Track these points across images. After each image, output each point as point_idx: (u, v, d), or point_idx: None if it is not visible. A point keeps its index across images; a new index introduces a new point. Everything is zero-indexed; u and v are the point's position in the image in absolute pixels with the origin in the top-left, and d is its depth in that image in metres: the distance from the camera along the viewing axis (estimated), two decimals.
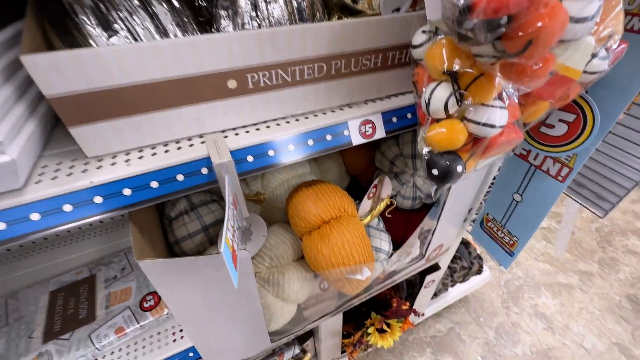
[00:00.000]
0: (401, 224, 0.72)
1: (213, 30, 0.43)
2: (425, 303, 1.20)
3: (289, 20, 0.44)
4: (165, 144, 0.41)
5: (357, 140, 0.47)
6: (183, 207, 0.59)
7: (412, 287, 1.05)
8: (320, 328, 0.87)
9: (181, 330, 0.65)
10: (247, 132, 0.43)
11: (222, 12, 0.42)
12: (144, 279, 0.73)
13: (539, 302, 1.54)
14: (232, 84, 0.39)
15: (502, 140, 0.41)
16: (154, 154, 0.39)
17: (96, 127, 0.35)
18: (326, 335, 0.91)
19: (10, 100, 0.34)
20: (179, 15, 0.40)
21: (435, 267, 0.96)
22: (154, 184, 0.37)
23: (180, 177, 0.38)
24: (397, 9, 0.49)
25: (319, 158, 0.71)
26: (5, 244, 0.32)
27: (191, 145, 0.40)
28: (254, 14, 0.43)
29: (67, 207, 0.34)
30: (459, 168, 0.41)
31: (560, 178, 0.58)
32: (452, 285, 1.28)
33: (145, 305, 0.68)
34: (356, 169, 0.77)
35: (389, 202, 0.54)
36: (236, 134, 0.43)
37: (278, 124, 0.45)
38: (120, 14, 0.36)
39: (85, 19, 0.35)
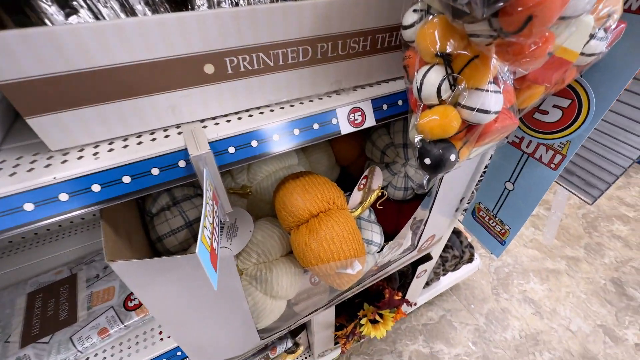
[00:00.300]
0: (393, 215, 0.70)
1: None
2: (417, 292, 1.20)
3: None
4: (139, 135, 0.37)
5: (346, 129, 0.45)
6: (165, 203, 0.56)
7: (404, 277, 1.05)
8: (313, 321, 0.87)
9: None
10: (228, 121, 0.40)
11: None
12: None
13: (528, 287, 1.57)
14: (209, 68, 0.36)
15: (496, 127, 0.40)
16: (125, 147, 0.36)
17: (58, 118, 0.32)
18: (319, 328, 0.91)
19: None
20: None
21: (427, 257, 0.96)
22: (127, 179, 0.34)
23: (155, 171, 0.35)
24: None
25: (307, 149, 0.69)
26: None
27: (167, 137, 0.37)
28: None
29: (29, 206, 0.31)
30: (452, 157, 0.39)
31: (553, 165, 0.57)
32: (444, 274, 1.29)
33: (130, 304, 0.65)
34: (346, 159, 0.75)
35: (380, 193, 0.53)
36: (216, 124, 0.40)
37: (261, 113, 0.42)
38: None
39: None
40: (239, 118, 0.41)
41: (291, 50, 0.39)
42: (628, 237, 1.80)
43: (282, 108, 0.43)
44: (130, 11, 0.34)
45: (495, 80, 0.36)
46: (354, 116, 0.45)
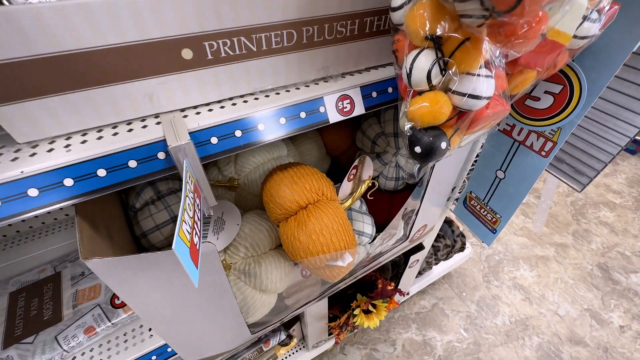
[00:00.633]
0: (384, 205, 0.70)
1: None
2: (410, 282, 1.21)
3: None
4: (114, 126, 0.35)
5: (334, 117, 0.43)
6: (149, 197, 0.54)
7: (397, 267, 1.05)
8: (306, 313, 0.86)
9: None
10: (211, 110, 0.39)
11: None
12: None
13: (518, 274, 1.60)
14: (187, 53, 0.34)
15: (488, 114, 0.39)
16: (99, 138, 0.34)
17: (23, 107, 0.30)
18: (312, 320, 0.91)
19: None
20: None
21: (419, 247, 0.96)
22: (102, 172, 0.32)
23: (132, 164, 0.33)
24: None
25: (297, 139, 0.67)
26: None
27: (144, 127, 0.35)
28: None
29: None
30: (443, 144, 0.38)
31: (543, 153, 0.57)
32: (436, 264, 1.30)
33: (117, 301, 0.64)
34: (337, 149, 0.73)
35: (370, 184, 0.52)
36: (198, 113, 0.38)
37: (246, 101, 0.40)
38: None
39: None
40: (222, 107, 0.39)
41: (275, 34, 0.37)
42: (614, 223, 1.84)
43: (268, 96, 0.41)
44: None
45: (487, 65, 0.34)
46: (343, 104, 0.44)
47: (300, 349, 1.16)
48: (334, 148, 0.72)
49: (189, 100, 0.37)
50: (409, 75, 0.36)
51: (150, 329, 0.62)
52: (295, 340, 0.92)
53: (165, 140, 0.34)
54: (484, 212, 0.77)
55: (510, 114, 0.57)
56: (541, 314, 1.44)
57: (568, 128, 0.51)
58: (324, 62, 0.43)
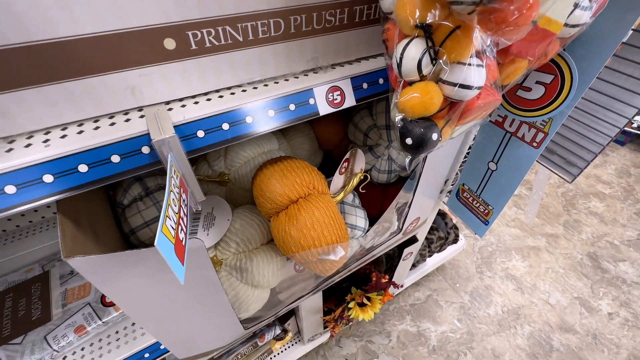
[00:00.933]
0: (377, 198, 0.69)
1: None
2: (404, 274, 1.22)
3: None
4: (96, 120, 0.34)
5: (324, 109, 0.43)
6: (137, 193, 0.53)
7: (391, 260, 1.06)
8: (301, 307, 0.86)
9: None
10: (197, 103, 0.37)
11: None
12: None
13: (510, 265, 1.62)
14: (169, 43, 0.32)
15: (479, 104, 0.38)
16: (80, 132, 0.32)
17: None
18: (307, 314, 0.91)
19: None
20: None
21: (413, 240, 0.96)
22: (83, 168, 0.31)
23: (115, 159, 0.32)
24: None
25: (288, 132, 0.66)
26: None
27: (127, 120, 0.34)
28: None
29: None
30: (434, 136, 0.38)
31: (535, 144, 0.57)
32: (430, 256, 1.31)
33: (108, 300, 0.63)
34: (329, 143, 0.73)
35: (362, 177, 0.51)
36: (183, 106, 0.37)
37: (233, 93, 0.39)
38: None
39: None
40: (208, 99, 0.38)
41: (261, 23, 0.36)
42: (604, 214, 1.87)
43: (256, 88, 0.40)
44: None
45: (478, 54, 0.34)
46: (333, 96, 0.43)
47: (296, 342, 1.16)
48: (326, 141, 0.71)
49: (173, 92, 0.36)
50: (399, 65, 0.35)
51: (142, 327, 0.61)
52: (290, 335, 0.92)
53: (149, 134, 0.33)
54: (476, 204, 0.78)
55: (502, 104, 0.57)
56: (533, 303, 1.47)
57: (559, 119, 0.51)
58: (313, 52, 0.42)
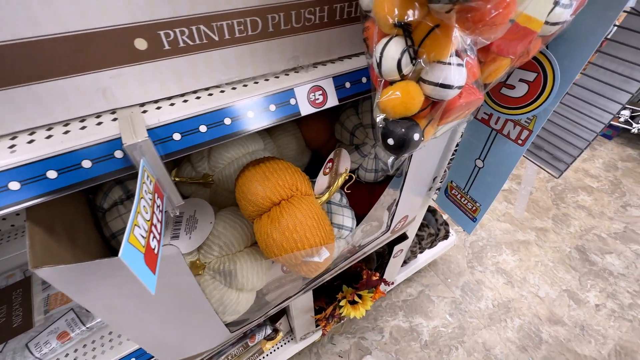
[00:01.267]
0: (365, 197, 0.69)
1: None
2: (395, 271, 1.23)
3: None
4: (66, 124, 0.33)
5: (306, 109, 0.42)
6: (117, 197, 0.51)
7: (381, 257, 1.06)
8: (291, 307, 0.86)
9: None
10: (172, 104, 0.36)
11: None
12: None
13: (500, 259, 1.64)
14: (140, 44, 0.31)
15: (461, 103, 0.38)
16: (49, 137, 0.31)
17: None
18: (298, 313, 0.91)
19: None
20: None
21: (403, 237, 0.96)
22: (52, 174, 0.30)
23: (86, 164, 0.31)
24: None
25: (274, 132, 0.65)
26: None
27: (99, 124, 0.33)
28: None
29: None
30: (416, 136, 0.37)
31: (520, 141, 0.57)
32: (421, 252, 1.32)
33: None
34: (317, 142, 0.72)
35: (347, 177, 0.51)
36: (158, 108, 0.36)
37: (211, 94, 0.38)
38: None
39: None
40: (185, 101, 0.37)
41: (237, 22, 0.35)
42: (591, 207, 1.90)
43: (234, 88, 0.39)
44: None
45: (458, 53, 0.33)
46: (315, 95, 0.42)
47: (288, 341, 1.16)
48: (313, 141, 0.71)
49: (147, 94, 0.35)
50: (379, 65, 0.35)
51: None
52: (281, 334, 0.92)
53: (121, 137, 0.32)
54: (464, 201, 0.78)
55: (487, 103, 0.57)
56: (522, 296, 1.49)
57: (543, 116, 0.51)
58: (293, 51, 0.41)
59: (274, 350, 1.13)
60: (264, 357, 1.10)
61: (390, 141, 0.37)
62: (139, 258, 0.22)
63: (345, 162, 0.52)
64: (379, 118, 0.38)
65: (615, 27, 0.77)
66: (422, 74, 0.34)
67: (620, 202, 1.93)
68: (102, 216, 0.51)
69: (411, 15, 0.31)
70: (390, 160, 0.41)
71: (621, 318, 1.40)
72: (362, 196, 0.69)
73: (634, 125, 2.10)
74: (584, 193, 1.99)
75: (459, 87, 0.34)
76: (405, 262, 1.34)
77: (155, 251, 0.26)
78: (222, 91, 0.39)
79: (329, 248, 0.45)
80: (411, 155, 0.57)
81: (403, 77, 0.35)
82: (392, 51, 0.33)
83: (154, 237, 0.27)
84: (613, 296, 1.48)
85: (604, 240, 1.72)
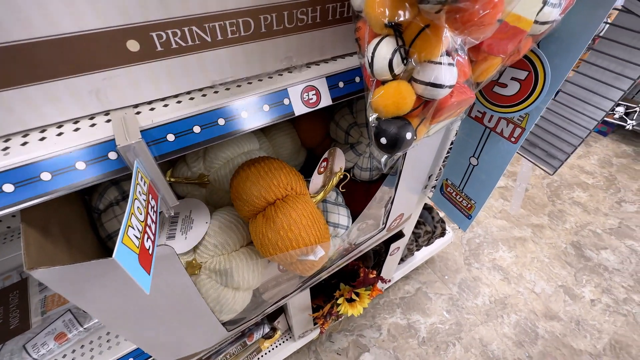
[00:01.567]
0: (361, 196, 0.70)
1: None
2: (392, 269, 1.23)
3: None
4: (59, 126, 0.33)
5: (299, 109, 0.42)
6: (113, 197, 0.52)
7: (378, 255, 1.07)
8: (289, 305, 0.87)
9: None
10: (166, 105, 0.37)
11: None
12: None
13: (497, 256, 1.65)
14: (133, 45, 0.31)
15: (453, 102, 0.38)
16: (42, 139, 0.31)
17: None
18: (296, 312, 0.91)
19: None
20: None
21: (399, 235, 0.97)
22: (46, 176, 0.30)
23: (80, 165, 0.31)
24: None
25: (270, 132, 0.65)
26: None
27: (93, 125, 0.33)
28: None
29: None
30: (409, 135, 0.38)
31: (513, 139, 0.57)
32: (418, 250, 1.33)
33: None
34: (312, 141, 0.72)
35: (342, 176, 0.51)
36: (152, 109, 0.36)
37: (204, 95, 0.38)
38: None
39: None
40: (179, 102, 0.37)
41: (230, 23, 0.35)
42: (587, 203, 1.92)
43: (228, 89, 0.39)
44: None
45: (449, 53, 0.34)
46: (308, 95, 0.42)
47: (287, 339, 1.17)
48: (309, 140, 0.71)
49: (141, 95, 0.35)
50: (370, 65, 0.35)
51: None
52: (279, 333, 0.93)
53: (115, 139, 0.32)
54: (459, 198, 0.79)
55: (479, 101, 0.57)
56: (519, 292, 1.50)
57: (535, 114, 0.52)
58: (286, 51, 0.41)
59: (273, 349, 1.14)
60: (262, 356, 1.11)
61: (383, 140, 0.38)
62: (133, 259, 0.23)
63: (339, 161, 0.52)
64: (372, 117, 0.38)
65: (607, 25, 0.77)
66: (413, 74, 0.35)
67: (615, 198, 1.94)
68: (98, 217, 0.51)
69: (402, 16, 0.32)
70: (384, 159, 0.41)
71: (616, 313, 1.42)
72: (358, 195, 0.69)
73: (629, 121, 2.12)
74: (580, 189, 2.01)
75: (450, 87, 0.35)
76: (402, 260, 1.35)
77: (150, 252, 0.26)
78: (216, 92, 0.39)
79: (324, 247, 0.45)
80: (405, 154, 0.57)
81: (395, 77, 0.35)
82: (384, 51, 0.34)
83: (149, 237, 0.27)
84: (608, 291, 1.50)
85: (599, 236, 1.74)
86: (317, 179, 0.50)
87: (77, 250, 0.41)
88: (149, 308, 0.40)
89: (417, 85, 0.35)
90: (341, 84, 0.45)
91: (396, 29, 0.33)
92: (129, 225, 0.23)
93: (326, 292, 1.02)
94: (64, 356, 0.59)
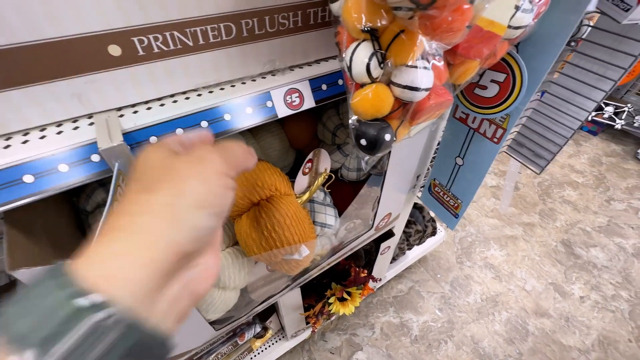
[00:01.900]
0: (349, 196, 0.70)
1: None
2: (384, 268, 1.25)
3: None
4: (42, 129, 0.34)
5: (283, 111, 0.43)
6: (100, 199, 0.52)
7: (369, 254, 1.08)
8: (280, 305, 0.87)
9: None
10: (149, 108, 0.37)
11: None
12: None
13: (489, 254, 1.67)
14: (114, 50, 0.32)
15: (431, 104, 0.39)
16: (25, 142, 0.32)
17: None
18: (287, 311, 0.92)
19: None
20: None
21: (389, 234, 0.98)
22: (29, 178, 0.31)
23: (63, 168, 0.32)
24: None
25: (258, 133, 0.66)
26: None
27: (76, 128, 0.34)
28: None
29: None
30: (387, 136, 0.39)
31: (495, 140, 0.59)
32: (409, 249, 1.34)
33: None
34: (301, 143, 0.73)
35: (327, 176, 0.52)
36: (135, 112, 0.37)
37: (188, 98, 0.39)
38: None
39: None
40: (162, 105, 0.38)
41: (211, 27, 0.36)
42: (577, 202, 1.95)
43: (211, 92, 0.40)
44: None
45: (425, 56, 0.35)
46: (291, 98, 0.43)
47: (280, 339, 1.18)
48: (297, 141, 0.72)
49: (124, 99, 0.36)
50: (349, 68, 0.36)
51: None
52: (270, 332, 0.93)
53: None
54: (446, 197, 0.80)
55: (462, 103, 0.58)
56: (510, 290, 1.52)
57: (515, 114, 0.53)
58: (269, 55, 0.42)
59: (266, 348, 1.15)
60: (255, 355, 1.11)
61: (363, 142, 0.39)
62: None
63: (324, 162, 0.53)
64: (352, 119, 0.39)
65: (589, 28, 0.79)
66: (391, 77, 0.36)
67: (604, 196, 1.98)
68: (86, 219, 0.52)
69: (377, 21, 0.33)
70: (366, 159, 0.42)
71: (604, 309, 1.44)
72: (346, 195, 0.70)
73: (618, 121, 2.15)
74: (570, 188, 2.04)
75: (427, 89, 0.36)
76: (394, 259, 1.36)
77: None
78: (199, 95, 0.40)
79: (309, 246, 0.46)
80: (390, 154, 0.58)
81: (373, 80, 0.36)
82: (361, 55, 0.35)
83: None
84: (597, 288, 1.52)
85: (588, 234, 1.76)
86: (302, 180, 0.51)
87: (63, 252, 0.41)
88: None
89: (395, 88, 0.36)
90: (324, 87, 0.46)
91: (372, 34, 0.34)
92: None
93: (318, 291, 1.02)
94: None
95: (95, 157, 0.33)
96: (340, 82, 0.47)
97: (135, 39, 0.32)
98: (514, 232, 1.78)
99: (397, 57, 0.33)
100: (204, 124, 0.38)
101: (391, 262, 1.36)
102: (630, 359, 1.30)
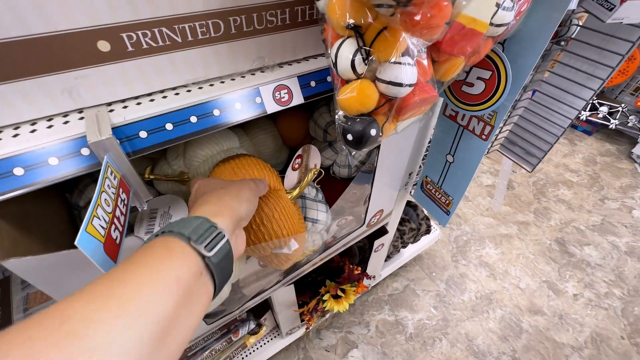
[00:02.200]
0: (341, 192, 0.71)
1: None
2: (378, 266, 1.25)
3: None
4: (33, 123, 0.34)
5: (271, 107, 0.44)
6: (93, 194, 0.52)
7: (363, 252, 1.08)
8: (274, 302, 0.88)
9: None
10: (139, 103, 0.38)
11: None
12: None
13: (484, 253, 1.68)
14: (103, 46, 0.33)
15: (415, 100, 0.40)
16: (15, 135, 0.33)
17: None
18: (281, 308, 0.93)
19: None
20: None
21: (383, 231, 0.99)
22: (19, 171, 0.31)
23: (53, 161, 0.33)
24: None
25: (250, 130, 0.67)
26: None
27: (66, 123, 0.35)
28: None
29: None
30: (373, 132, 0.40)
31: (483, 136, 0.60)
32: (404, 247, 1.35)
33: None
34: (294, 139, 0.74)
35: (317, 172, 0.53)
36: (125, 107, 0.37)
37: (177, 94, 0.40)
38: None
39: None
40: (152, 100, 0.38)
41: (199, 24, 0.36)
42: (571, 200, 1.96)
43: (201, 88, 0.41)
44: None
45: (409, 53, 0.36)
46: (280, 94, 0.44)
47: (275, 336, 1.18)
48: (290, 138, 0.73)
49: (114, 94, 0.37)
50: (335, 65, 0.37)
51: None
52: (264, 329, 0.94)
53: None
54: (438, 195, 0.81)
55: (450, 100, 0.59)
56: (504, 288, 1.53)
57: (502, 111, 0.54)
58: (258, 52, 0.43)
59: (262, 345, 1.15)
60: (251, 353, 1.12)
61: (349, 137, 0.40)
62: (97, 247, 0.24)
63: (314, 158, 0.54)
64: (339, 115, 0.40)
65: (578, 27, 0.80)
66: (376, 73, 0.37)
67: (598, 195, 1.99)
68: (78, 214, 0.52)
69: (361, 18, 0.34)
70: (351, 155, 0.43)
71: (597, 307, 1.46)
72: (338, 191, 0.71)
73: (612, 121, 2.17)
74: (564, 187, 2.05)
75: (410, 85, 0.36)
76: (389, 257, 1.37)
77: (117, 241, 0.27)
78: (189, 90, 0.40)
79: (299, 240, 0.47)
80: (379, 151, 0.59)
81: (359, 76, 0.37)
82: (346, 52, 0.35)
83: (116, 228, 0.28)
84: (590, 286, 1.53)
85: (582, 232, 1.78)
86: (291, 175, 0.52)
87: (55, 245, 0.42)
88: None
89: (380, 84, 0.37)
90: (313, 83, 0.46)
91: (356, 31, 0.35)
92: (94, 215, 0.25)
93: (312, 288, 1.03)
94: None
95: (85, 151, 0.34)
96: (329, 79, 0.48)
97: (124, 35, 0.33)
98: (509, 231, 1.79)
99: (380, 53, 0.34)
100: (194, 119, 0.39)
101: (386, 260, 1.37)
102: (622, 356, 1.31)
